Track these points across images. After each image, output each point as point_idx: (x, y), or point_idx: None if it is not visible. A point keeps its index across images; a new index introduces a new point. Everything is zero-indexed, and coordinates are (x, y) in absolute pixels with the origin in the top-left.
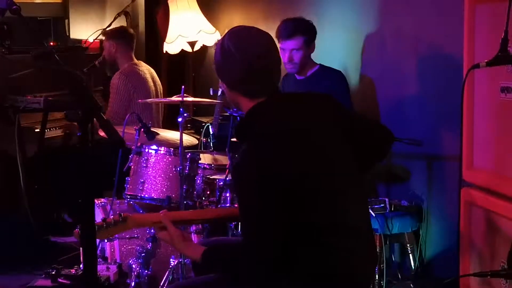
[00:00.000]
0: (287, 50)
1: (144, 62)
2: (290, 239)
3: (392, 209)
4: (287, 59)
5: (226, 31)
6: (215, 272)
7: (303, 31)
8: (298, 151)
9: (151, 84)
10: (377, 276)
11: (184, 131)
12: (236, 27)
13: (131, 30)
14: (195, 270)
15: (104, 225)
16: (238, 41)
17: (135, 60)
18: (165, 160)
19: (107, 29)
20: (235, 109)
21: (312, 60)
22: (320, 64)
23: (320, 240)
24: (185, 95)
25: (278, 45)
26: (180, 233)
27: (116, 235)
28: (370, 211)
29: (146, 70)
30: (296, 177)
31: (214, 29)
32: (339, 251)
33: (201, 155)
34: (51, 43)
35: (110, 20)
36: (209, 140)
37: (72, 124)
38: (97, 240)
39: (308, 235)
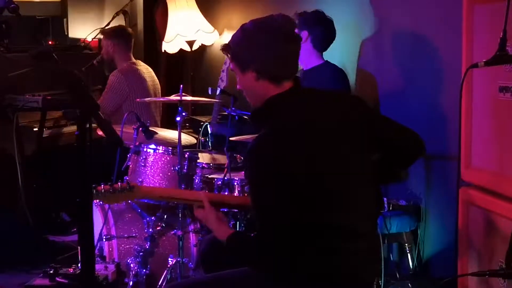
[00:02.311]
0: None
1: (143, 61)
2: (296, 237)
3: (391, 208)
4: None
5: (225, 30)
6: (236, 258)
7: (304, 24)
8: (311, 149)
9: (149, 83)
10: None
11: (182, 130)
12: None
13: (130, 29)
14: (204, 266)
15: (111, 190)
16: (266, 25)
17: (134, 60)
18: (163, 159)
19: (106, 28)
20: (233, 108)
21: (317, 54)
22: (326, 60)
23: (326, 240)
24: (183, 94)
25: None
26: (215, 213)
27: (114, 234)
28: None
29: (145, 69)
30: (305, 173)
31: (212, 28)
32: (344, 252)
33: (200, 154)
34: (50, 42)
35: (108, 19)
36: (207, 139)
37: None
38: (95, 239)
39: (314, 234)
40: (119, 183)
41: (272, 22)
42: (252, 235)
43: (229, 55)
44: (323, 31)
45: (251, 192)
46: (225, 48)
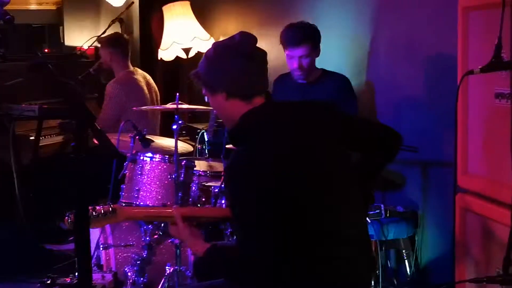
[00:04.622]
0: (295, 57)
1: (139, 68)
2: (285, 248)
3: (388, 215)
4: (296, 66)
5: (221, 37)
6: (215, 273)
7: (311, 37)
8: (289, 161)
9: (146, 92)
10: (373, 282)
11: (179, 138)
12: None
13: (126, 36)
14: (198, 276)
15: (93, 214)
16: (227, 46)
17: (131, 68)
18: (160, 167)
19: (102, 36)
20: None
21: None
22: (322, 68)
23: (317, 249)
24: (180, 102)
25: (285, 52)
26: (189, 229)
27: (112, 243)
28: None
29: (142, 78)
30: (288, 185)
31: (208, 35)
32: (335, 260)
33: (196, 162)
34: (46, 50)
35: (104, 27)
36: (204, 147)
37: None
38: (93, 248)
39: (304, 244)
40: (101, 206)
41: (232, 43)
42: (228, 245)
43: (199, 82)
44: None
45: (231, 208)
46: (194, 76)
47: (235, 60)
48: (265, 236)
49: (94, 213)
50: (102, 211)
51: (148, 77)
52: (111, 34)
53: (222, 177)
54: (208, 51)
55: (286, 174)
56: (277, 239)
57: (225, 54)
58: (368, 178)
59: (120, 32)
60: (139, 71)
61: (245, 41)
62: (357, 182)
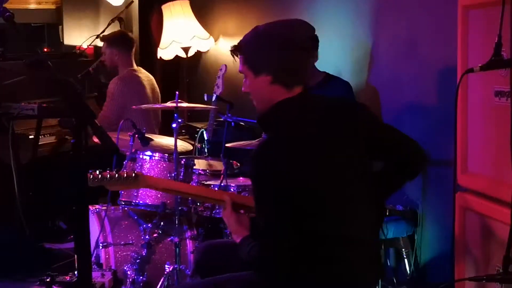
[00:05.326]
0: None
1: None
2: (297, 244)
3: (387, 214)
4: None
5: (221, 36)
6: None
7: None
8: (312, 158)
9: (148, 91)
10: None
11: (178, 137)
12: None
13: (131, 34)
14: (200, 272)
15: (116, 176)
16: (286, 30)
17: (135, 66)
18: (159, 166)
19: (107, 34)
20: (229, 114)
21: (317, 69)
22: (326, 72)
23: (324, 249)
24: (179, 100)
25: None
26: (235, 216)
27: (111, 241)
28: None
29: (145, 77)
30: (305, 183)
31: (208, 34)
32: (342, 261)
33: (196, 161)
34: (45, 49)
35: (104, 26)
36: (203, 145)
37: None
38: (92, 247)
39: (312, 243)
40: (124, 171)
41: (289, 31)
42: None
43: (239, 57)
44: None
45: (254, 194)
46: (237, 49)
47: (290, 49)
48: (283, 227)
49: (116, 176)
50: (125, 175)
51: (151, 77)
52: (116, 32)
53: (222, 176)
54: (261, 28)
55: (307, 171)
56: (294, 232)
57: (281, 42)
58: (385, 192)
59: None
60: (143, 70)
61: (302, 32)
62: (374, 189)
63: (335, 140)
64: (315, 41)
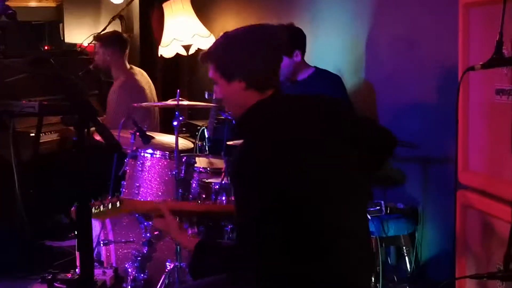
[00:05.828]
0: None
1: (139, 66)
2: (284, 243)
3: (388, 211)
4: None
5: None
6: (205, 268)
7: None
8: (296, 155)
9: (148, 92)
10: (373, 279)
11: (179, 135)
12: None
13: (125, 35)
14: (192, 274)
15: (101, 206)
16: (256, 33)
17: (128, 66)
18: (160, 164)
19: (101, 34)
20: (230, 112)
21: (305, 63)
22: (315, 67)
23: (315, 246)
24: (180, 98)
25: None
26: (176, 223)
27: (112, 239)
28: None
29: (142, 79)
30: (290, 181)
31: (208, 32)
32: (333, 258)
33: (197, 159)
34: (46, 47)
35: (104, 24)
36: (204, 143)
37: (68, 128)
38: (93, 244)
39: (302, 240)
40: (108, 198)
41: (262, 30)
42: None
43: (210, 64)
44: (305, 42)
45: (235, 199)
46: (207, 56)
47: (261, 51)
48: (265, 231)
49: (101, 205)
50: (110, 203)
51: (146, 75)
52: (110, 32)
53: (223, 174)
54: (231, 33)
55: (289, 169)
56: (277, 234)
57: (251, 44)
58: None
59: (119, 30)
60: (136, 69)
61: (273, 32)
62: (362, 179)
63: (315, 136)
64: (294, 37)
